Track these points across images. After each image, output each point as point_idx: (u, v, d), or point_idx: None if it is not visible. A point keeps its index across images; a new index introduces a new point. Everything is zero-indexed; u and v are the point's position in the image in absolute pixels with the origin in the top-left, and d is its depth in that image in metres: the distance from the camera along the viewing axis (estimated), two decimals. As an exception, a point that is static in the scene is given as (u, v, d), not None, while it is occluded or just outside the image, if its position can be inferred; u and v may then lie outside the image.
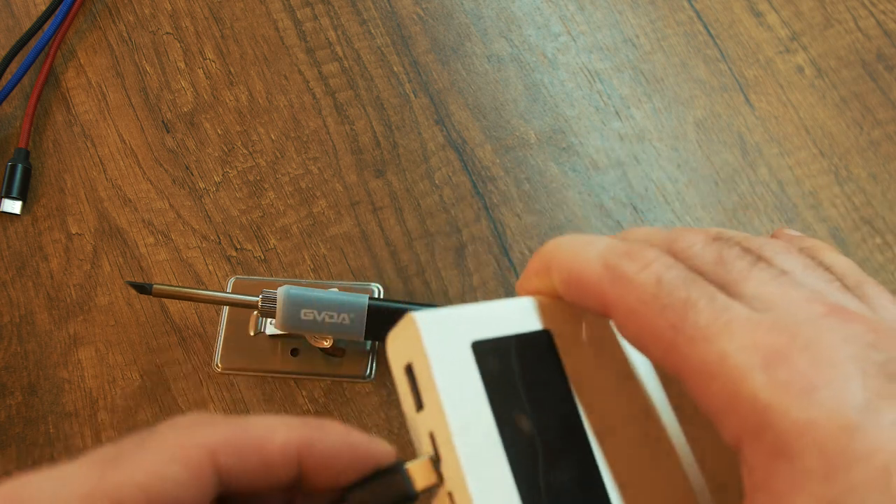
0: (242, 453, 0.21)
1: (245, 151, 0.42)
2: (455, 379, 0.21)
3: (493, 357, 0.22)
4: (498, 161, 0.42)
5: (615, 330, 0.24)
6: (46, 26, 0.44)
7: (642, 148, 0.42)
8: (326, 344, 0.36)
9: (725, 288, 0.20)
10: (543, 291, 0.24)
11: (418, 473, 0.22)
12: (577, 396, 0.23)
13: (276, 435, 0.21)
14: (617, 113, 0.42)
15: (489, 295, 0.39)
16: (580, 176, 0.41)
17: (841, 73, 0.42)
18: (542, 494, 0.21)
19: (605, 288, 0.21)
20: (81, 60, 0.45)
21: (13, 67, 0.44)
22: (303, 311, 0.35)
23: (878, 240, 0.40)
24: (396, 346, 0.22)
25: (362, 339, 0.36)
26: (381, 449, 0.22)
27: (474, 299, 0.39)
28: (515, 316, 0.23)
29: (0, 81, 0.44)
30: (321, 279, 0.40)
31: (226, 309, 0.39)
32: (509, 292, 0.39)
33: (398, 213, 0.41)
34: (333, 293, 0.36)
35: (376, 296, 0.39)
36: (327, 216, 0.41)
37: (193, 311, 0.40)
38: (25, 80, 0.44)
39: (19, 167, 0.42)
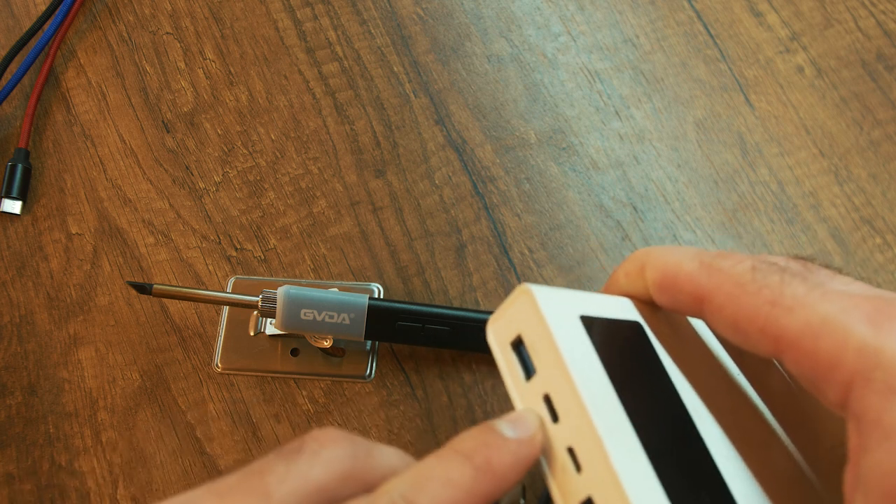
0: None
1: (245, 151, 0.42)
2: (572, 342, 0.23)
3: (599, 331, 0.23)
4: (498, 161, 0.42)
5: (702, 331, 0.26)
6: (46, 26, 0.44)
7: (642, 148, 0.42)
8: (326, 344, 0.36)
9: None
10: (632, 293, 0.25)
11: None
12: (674, 379, 0.24)
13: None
14: (617, 113, 0.42)
15: (489, 295, 0.39)
16: (580, 176, 0.41)
17: (841, 73, 0.42)
18: (662, 453, 0.22)
19: (702, 281, 0.23)
20: (81, 60, 0.45)
21: (13, 67, 0.44)
22: (303, 311, 0.35)
23: (878, 240, 0.40)
24: (503, 320, 0.24)
25: (362, 339, 0.36)
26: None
27: (474, 299, 0.39)
28: (611, 305, 0.25)
29: (0, 81, 0.44)
30: (321, 279, 0.40)
31: (226, 309, 0.39)
32: (509, 292, 0.39)
33: (398, 213, 0.41)
34: (333, 293, 0.36)
35: (376, 296, 0.39)
36: (327, 216, 0.41)
37: (193, 311, 0.40)
38: (25, 80, 0.44)
39: (19, 167, 0.42)
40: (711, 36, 0.43)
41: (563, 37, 0.44)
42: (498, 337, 0.24)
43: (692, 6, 0.44)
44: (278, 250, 0.41)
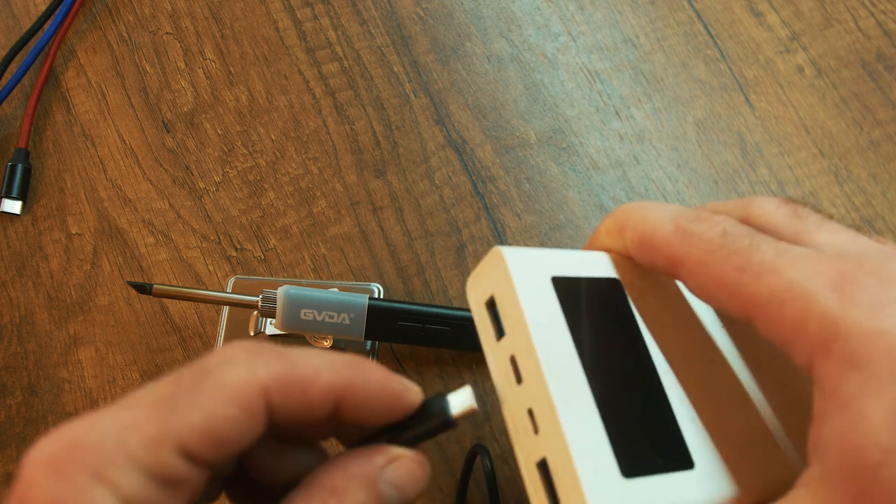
0: (290, 392, 0.22)
1: (245, 151, 0.42)
2: (538, 306, 0.23)
3: (570, 292, 0.24)
4: (498, 161, 0.42)
5: (682, 287, 0.26)
6: (46, 26, 0.44)
7: (642, 148, 0.42)
8: (326, 344, 0.36)
9: (798, 237, 0.22)
10: (614, 250, 0.26)
11: (457, 401, 0.23)
12: (647, 337, 0.25)
13: (320, 377, 0.22)
14: (617, 113, 0.42)
15: (489, 295, 0.39)
16: (580, 176, 0.41)
17: (841, 73, 0.42)
18: (618, 412, 0.23)
19: (675, 246, 0.23)
20: (81, 60, 0.45)
21: (13, 67, 0.44)
22: (303, 311, 0.35)
23: (878, 240, 0.40)
24: (478, 280, 0.24)
25: (362, 339, 0.36)
26: (413, 391, 0.24)
27: (474, 299, 0.39)
28: (588, 263, 0.25)
29: (0, 81, 0.44)
30: (321, 279, 0.40)
31: (226, 309, 0.39)
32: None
33: (398, 213, 0.41)
34: (333, 293, 0.36)
35: (376, 296, 0.39)
36: (327, 216, 0.41)
37: (193, 311, 0.40)
38: (25, 80, 0.44)
39: (19, 167, 0.42)
40: (711, 36, 0.43)
41: (563, 37, 0.44)
42: (474, 296, 0.25)
43: (692, 6, 0.44)
44: (278, 250, 0.41)
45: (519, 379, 0.23)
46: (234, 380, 0.21)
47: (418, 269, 0.40)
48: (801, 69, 0.43)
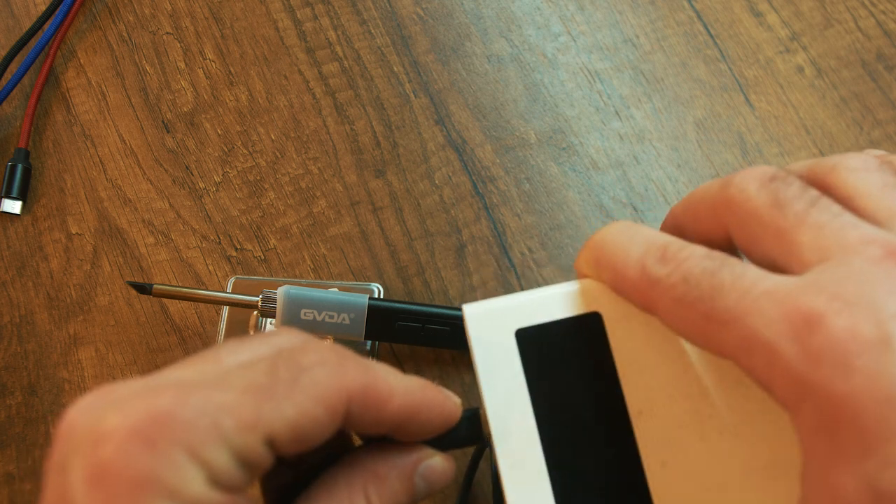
0: (368, 404, 0.22)
1: (245, 151, 0.42)
2: (496, 366, 0.23)
3: (537, 342, 0.23)
4: (498, 161, 0.42)
5: None
6: (46, 26, 0.44)
7: (642, 148, 0.42)
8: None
9: (779, 238, 0.20)
10: (595, 279, 0.25)
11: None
12: (622, 377, 0.23)
13: (395, 396, 0.23)
14: (617, 113, 0.42)
15: (489, 295, 0.39)
16: (580, 176, 0.41)
17: (841, 73, 0.42)
18: (574, 475, 0.22)
19: (644, 292, 0.22)
20: (81, 60, 0.45)
21: (13, 67, 0.44)
22: (303, 311, 0.35)
23: (878, 240, 0.40)
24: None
25: (362, 339, 0.36)
26: (458, 406, 0.25)
27: (474, 299, 0.39)
28: (566, 300, 0.24)
29: (0, 81, 0.44)
30: (321, 279, 0.40)
31: (226, 309, 0.39)
32: (509, 292, 0.39)
33: (398, 213, 0.41)
34: (333, 293, 0.36)
35: (376, 296, 0.39)
36: (327, 216, 0.41)
37: (193, 311, 0.40)
38: (25, 80, 0.44)
39: (19, 167, 0.42)
40: (711, 36, 0.43)
41: (563, 37, 0.44)
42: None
43: (692, 6, 0.44)
44: (278, 250, 0.41)
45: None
46: (327, 381, 0.22)
47: (418, 269, 0.40)
48: (801, 69, 0.43)
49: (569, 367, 0.23)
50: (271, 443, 0.21)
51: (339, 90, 0.43)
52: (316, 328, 0.35)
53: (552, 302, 0.24)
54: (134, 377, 0.22)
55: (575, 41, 0.44)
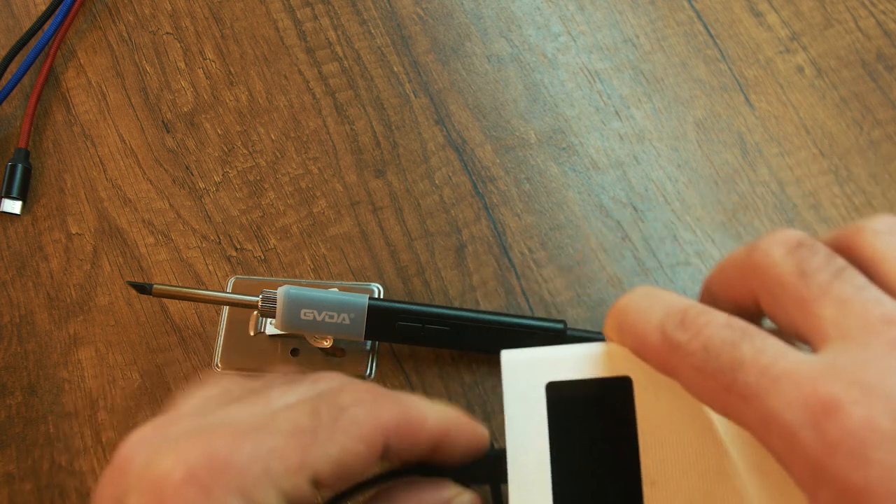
0: (404, 435, 0.24)
1: (245, 151, 0.42)
2: (523, 416, 0.24)
3: (566, 397, 0.24)
4: (498, 161, 0.42)
5: None
6: (46, 26, 0.44)
7: (642, 148, 0.42)
8: (326, 344, 0.36)
9: (802, 308, 0.20)
10: (620, 344, 0.25)
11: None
12: (642, 444, 0.24)
13: (426, 424, 0.24)
14: (617, 113, 0.42)
15: (489, 295, 0.39)
16: (580, 176, 0.41)
17: (841, 73, 0.42)
18: None
19: (665, 358, 0.22)
20: (81, 60, 0.45)
21: (13, 67, 0.44)
22: (303, 311, 0.35)
23: (878, 240, 0.40)
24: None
25: (362, 339, 0.36)
26: (487, 437, 0.26)
27: (474, 299, 0.39)
28: (600, 359, 0.25)
29: (0, 81, 0.44)
30: (321, 279, 0.40)
31: (226, 309, 0.39)
32: (509, 292, 0.39)
33: (398, 213, 0.41)
34: (333, 293, 0.36)
35: (376, 296, 0.39)
36: (327, 216, 0.41)
37: (193, 311, 0.40)
38: (25, 80, 0.44)
39: (19, 167, 0.42)
40: (711, 36, 0.43)
41: (563, 37, 0.44)
42: None
43: (692, 6, 0.44)
44: (278, 250, 0.41)
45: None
46: (365, 420, 0.23)
47: (418, 269, 0.40)
48: (801, 69, 0.43)
49: (592, 426, 0.24)
50: (316, 482, 0.22)
51: (339, 90, 0.43)
52: (316, 328, 0.35)
53: (586, 360, 0.25)
54: (185, 416, 0.23)
55: (575, 41, 0.44)
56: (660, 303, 0.23)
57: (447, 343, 0.37)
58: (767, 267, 0.21)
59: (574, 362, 0.24)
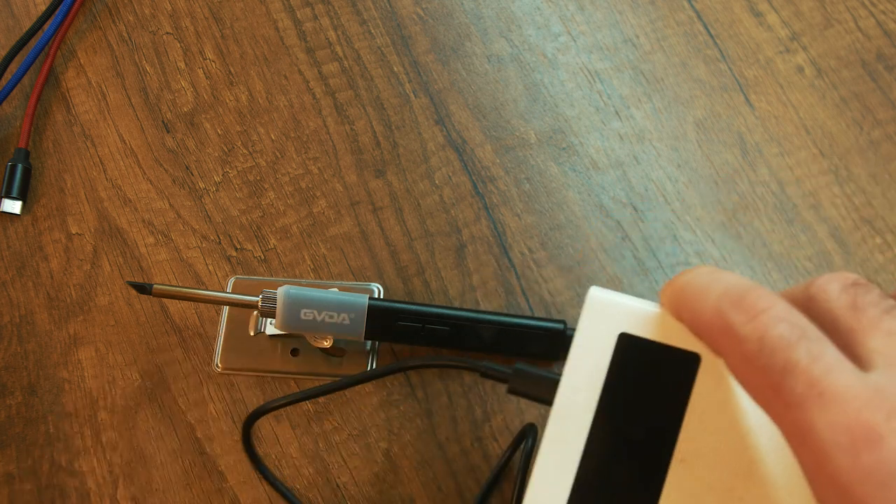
0: None
1: (245, 151, 0.42)
2: (587, 353, 0.24)
3: (634, 352, 0.24)
4: (498, 161, 0.42)
5: None
6: (46, 26, 0.44)
7: (642, 148, 0.42)
8: (326, 344, 0.36)
9: (851, 336, 0.20)
10: (676, 319, 0.25)
11: None
12: (686, 422, 0.24)
13: None
14: (617, 113, 0.42)
15: (489, 295, 0.39)
16: (580, 176, 0.41)
17: (841, 73, 0.42)
18: (597, 483, 0.24)
19: (717, 336, 0.21)
20: (81, 60, 0.45)
21: (13, 67, 0.44)
22: (303, 311, 0.35)
23: (879, 240, 0.40)
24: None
25: (362, 339, 0.36)
26: None
27: (474, 299, 0.39)
28: (678, 328, 0.24)
29: (0, 81, 0.44)
30: (321, 279, 0.40)
31: (226, 309, 0.39)
32: (509, 292, 0.39)
33: (398, 213, 0.41)
34: (333, 293, 0.36)
35: (376, 296, 0.39)
36: (327, 216, 0.41)
37: (193, 311, 0.40)
38: (25, 80, 0.44)
39: (19, 167, 0.42)
40: (711, 36, 0.43)
41: (563, 37, 0.44)
42: None
43: (692, 6, 0.44)
44: (278, 250, 0.41)
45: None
46: None
47: (418, 269, 0.40)
48: (801, 69, 0.43)
49: (648, 388, 0.24)
50: None
51: (339, 90, 0.43)
52: (316, 328, 0.35)
53: (667, 324, 0.24)
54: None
55: (575, 41, 0.44)
56: (721, 280, 0.22)
57: (447, 343, 0.37)
58: (822, 300, 0.22)
59: (654, 322, 0.24)
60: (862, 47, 0.43)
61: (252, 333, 0.37)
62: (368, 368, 0.38)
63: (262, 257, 0.40)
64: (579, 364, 0.24)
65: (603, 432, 0.24)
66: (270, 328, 0.38)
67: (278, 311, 0.35)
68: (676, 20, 0.44)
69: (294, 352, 0.38)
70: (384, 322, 0.36)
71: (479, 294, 0.39)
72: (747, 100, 0.42)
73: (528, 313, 0.39)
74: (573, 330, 0.37)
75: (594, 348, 0.24)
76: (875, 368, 0.19)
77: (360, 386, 0.38)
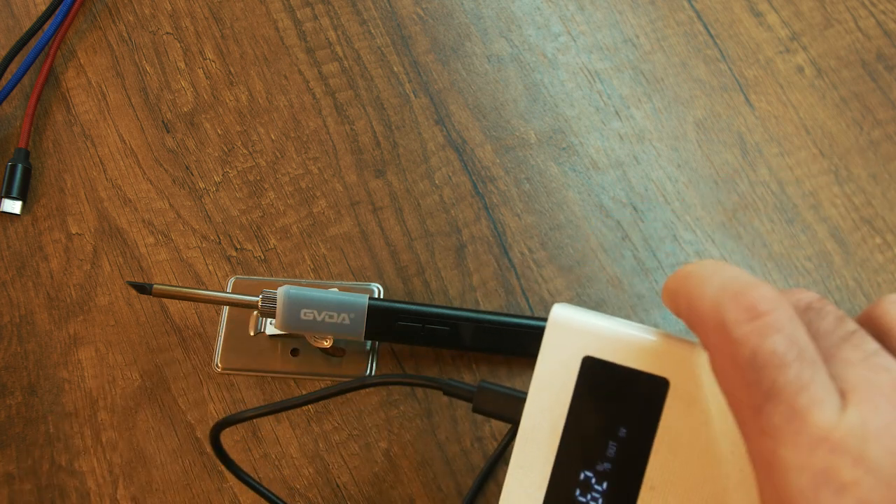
0: None
1: (245, 151, 0.42)
2: (552, 376, 0.24)
3: (599, 376, 0.23)
4: (498, 161, 0.42)
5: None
6: (46, 26, 0.44)
7: (642, 148, 0.42)
8: (326, 344, 0.36)
9: (829, 358, 0.20)
10: (674, 312, 0.23)
11: None
12: (655, 450, 0.23)
13: None
14: (617, 113, 0.42)
15: (489, 295, 0.39)
16: (580, 176, 0.41)
17: (841, 73, 0.42)
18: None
19: (709, 331, 0.20)
20: (81, 60, 0.45)
21: (13, 67, 0.44)
22: (303, 311, 0.35)
23: (878, 240, 0.40)
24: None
25: (362, 339, 0.36)
26: None
27: (474, 299, 0.39)
28: (646, 351, 0.23)
29: (0, 81, 0.44)
30: (321, 279, 0.40)
31: (226, 309, 0.39)
32: (509, 292, 0.39)
33: (398, 213, 0.41)
34: (333, 293, 0.36)
35: (376, 296, 0.39)
36: (327, 216, 0.41)
37: (193, 311, 0.40)
38: (25, 80, 0.44)
39: (19, 167, 0.42)
40: (711, 36, 0.43)
41: (563, 37, 0.44)
42: None
43: (692, 6, 0.44)
44: (278, 250, 0.41)
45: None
46: None
47: (418, 269, 0.40)
48: (801, 69, 0.43)
49: (615, 413, 0.23)
50: None
51: (339, 90, 0.43)
52: (316, 328, 0.35)
53: (632, 347, 0.24)
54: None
55: (575, 41, 0.44)
56: (724, 271, 0.21)
57: (447, 343, 0.37)
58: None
59: (620, 345, 0.24)
60: (862, 47, 0.43)
61: (252, 333, 0.37)
62: (368, 369, 0.38)
63: (262, 257, 0.40)
64: (544, 386, 0.24)
65: (570, 458, 0.23)
66: (270, 328, 0.38)
67: (278, 311, 0.35)
68: (676, 20, 0.44)
69: (294, 352, 0.38)
70: (384, 322, 0.36)
71: (479, 294, 0.39)
72: (747, 100, 0.42)
73: (529, 313, 0.39)
74: None
75: (558, 370, 0.24)
76: (849, 405, 0.19)
77: (360, 386, 0.38)
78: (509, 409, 0.28)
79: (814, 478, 0.18)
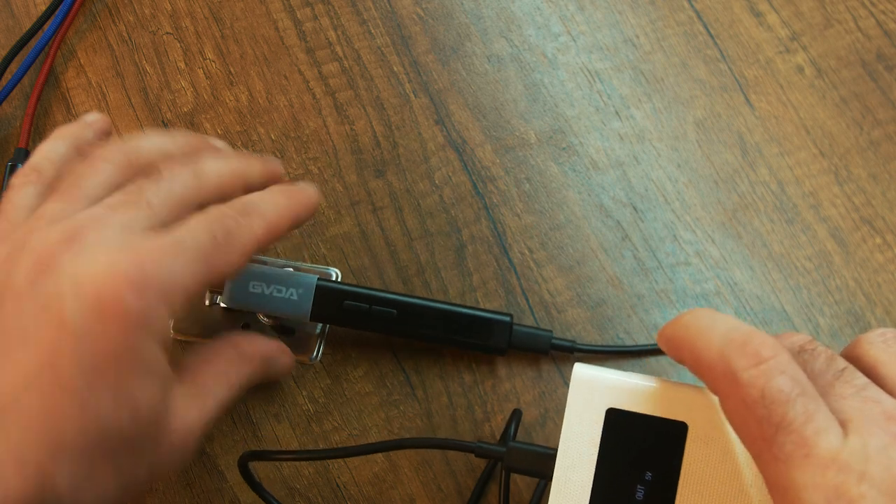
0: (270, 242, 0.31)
1: (245, 151, 0.42)
2: (579, 430, 0.26)
3: (621, 427, 0.26)
4: (498, 161, 0.42)
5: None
6: (46, 26, 0.44)
7: (642, 148, 0.42)
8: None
9: (825, 394, 0.22)
10: (674, 358, 0.26)
11: None
12: (680, 491, 0.25)
13: (279, 221, 0.32)
14: (617, 113, 0.42)
15: (489, 295, 0.39)
16: (580, 176, 0.41)
17: (841, 73, 0.42)
18: None
19: (718, 378, 0.23)
20: (81, 60, 0.45)
21: (13, 67, 0.44)
22: (251, 283, 0.36)
23: (878, 240, 0.40)
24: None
25: (308, 318, 0.36)
26: (315, 199, 0.34)
27: (474, 299, 0.39)
28: (664, 399, 0.26)
29: (0, 81, 0.44)
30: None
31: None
32: (509, 292, 0.39)
33: (398, 213, 0.41)
34: (286, 271, 0.37)
35: (333, 279, 0.39)
36: (327, 216, 0.41)
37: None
38: (25, 80, 0.44)
39: (19, 167, 0.42)
40: (711, 36, 0.43)
41: (563, 37, 0.44)
42: None
43: (692, 6, 0.44)
44: (278, 250, 0.41)
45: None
46: (250, 238, 0.30)
47: (418, 268, 0.40)
48: (801, 69, 0.43)
49: (640, 460, 0.26)
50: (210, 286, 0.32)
51: (339, 90, 0.43)
52: (263, 304, 0.36)
53: (651, 396, 0.26)
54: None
55: (575, 41, 0.44)
56: (723, 322, 0.23)
57: (394, 329, 0.37)
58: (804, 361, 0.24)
59: (638, 395, 0.26)
60: (862, 47, 0.43)
61: (207, 304, 0.37)
62: (315, 352, 0.38)
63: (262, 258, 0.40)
64: (572, 441, 0.26)
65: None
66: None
67: (226, 283, 0.36)
68: (676, 20, 0.44)
69: (245, 326, 0.39)
70: (331, 302, 0.36)
71: (479, 294, 0.39)
72: (747, 100, 0.42)
73: (529, 313, 0.39)
74: (520, 325, 0.37)
75: (584, 424, 0.26)
76: (850, 433, 0.21)
77: (360, 386, 0.38)
78: (540, 465, 0.29)
79: (826, 494, 0.20)
